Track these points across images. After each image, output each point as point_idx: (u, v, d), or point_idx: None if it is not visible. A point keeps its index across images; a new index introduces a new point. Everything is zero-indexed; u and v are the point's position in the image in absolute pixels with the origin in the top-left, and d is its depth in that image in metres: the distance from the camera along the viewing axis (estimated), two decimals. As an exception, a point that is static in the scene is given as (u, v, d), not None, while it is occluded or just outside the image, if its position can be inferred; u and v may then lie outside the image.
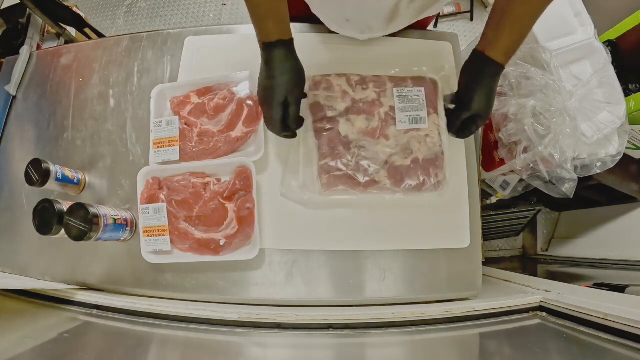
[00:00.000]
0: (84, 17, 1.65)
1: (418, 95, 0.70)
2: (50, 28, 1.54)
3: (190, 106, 0.73)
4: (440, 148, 0.69)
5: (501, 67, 0.58)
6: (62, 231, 0.61)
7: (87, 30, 1.57)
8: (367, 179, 0.67)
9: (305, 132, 0.70)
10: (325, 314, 0.62)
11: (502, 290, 0.78)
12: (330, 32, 0.78)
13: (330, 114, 0.70)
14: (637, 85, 0.97)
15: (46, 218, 0.61)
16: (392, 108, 0.70)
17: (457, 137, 0.70)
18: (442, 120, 0.70)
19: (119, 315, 0.64)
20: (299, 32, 0.79)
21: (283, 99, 0.58)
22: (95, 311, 0.65)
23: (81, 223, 0.60)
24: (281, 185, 0.70)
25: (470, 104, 0.62)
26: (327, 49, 0.77)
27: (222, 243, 0.66)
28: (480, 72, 0.60)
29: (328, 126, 0.69)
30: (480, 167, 1.06)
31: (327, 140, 0.69)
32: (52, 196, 0.72)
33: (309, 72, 0.73)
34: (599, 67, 0.84)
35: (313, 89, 0.71)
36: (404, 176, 0.67)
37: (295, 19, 0.65)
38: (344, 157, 0.68)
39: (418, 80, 0.71)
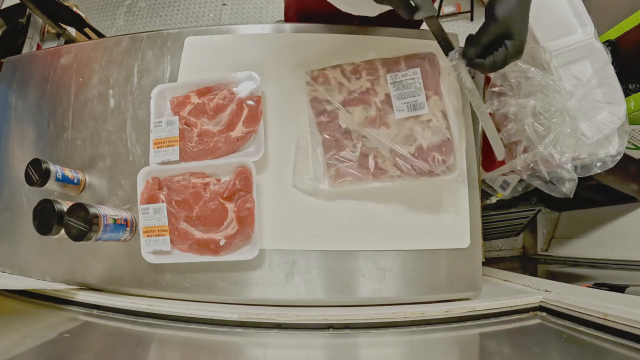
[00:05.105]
0: (84, 17, 1.65)
1: (413, 79, 0.66)
2: (50, 28, 1.54)
3: (190, 106, 0.73)
4: (446, 131, 0.64)
5: None
6: (62, 231, 0.61)
7: (87, 30, 1.57)
8: (374, 167, 0.67)
9: (311, 125, 0.70)
10: (325, 314, 0.62)
11: (502, 290, 0.78)
12: (326, 31, 0.78)
13: (329, 107, 0.70)
14: (637, 85, 0.97)
15: (46, 218, 0.61)
16: (388, 96, 0.67)
17: (475, 67, 0.52)
18: (446, 101, 0.64)
19: (119, 315, 0.64)
20: (298, 32, 0.79)
21: None
22: (95, 311, 0.65)
23: (81, 223, 0.60)
24: (293, 176, 0.70)
25: (495, 12, 0.49)
26: (326, 48, 0.77)
27: (222, 243, 0.66)
28: None
29: (329, 119, 0.69)
30: (480, 167, 1.06)
31: (329, 133, 0.69)
32: (52, 196, 0.72)
33: (307, 67, 0.73)
34: (599, 67, 0.83)
35: (311, 84, 0.71)
36: (410, 164, 0.66)
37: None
38: (348, 148, 0.68)
39: (412, 60, 0.67)
